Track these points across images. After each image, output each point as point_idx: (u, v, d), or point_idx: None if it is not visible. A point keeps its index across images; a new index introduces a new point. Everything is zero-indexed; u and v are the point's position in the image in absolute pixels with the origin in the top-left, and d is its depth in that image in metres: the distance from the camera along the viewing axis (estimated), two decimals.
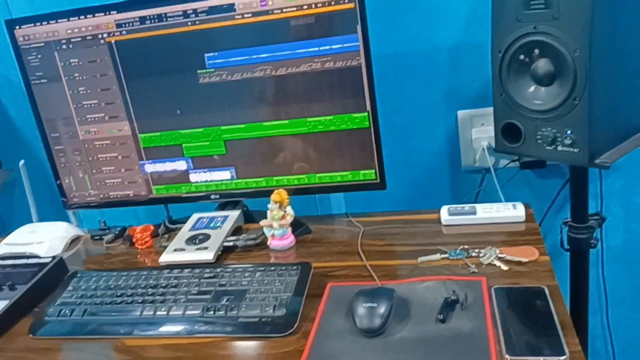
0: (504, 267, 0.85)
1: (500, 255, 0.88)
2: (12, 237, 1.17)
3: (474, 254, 0.90)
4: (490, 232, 0.97)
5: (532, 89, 0.91)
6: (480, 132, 1.23)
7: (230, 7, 1.00)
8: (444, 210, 1.03)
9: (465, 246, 0.92)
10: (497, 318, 0.73)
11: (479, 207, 1.02)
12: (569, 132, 0.88)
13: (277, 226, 1.02)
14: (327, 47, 1.00)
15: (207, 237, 1.06)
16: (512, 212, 0.99)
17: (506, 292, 0.78)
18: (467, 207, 1.02)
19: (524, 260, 0.86)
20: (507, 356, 0.66)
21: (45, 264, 1.01)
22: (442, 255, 0.91)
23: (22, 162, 1.24)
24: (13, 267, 1.02)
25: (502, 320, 0.73)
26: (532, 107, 0.91)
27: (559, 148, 0.90)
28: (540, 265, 0.85)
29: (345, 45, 0.99)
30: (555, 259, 0.99)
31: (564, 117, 0.88)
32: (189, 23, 1.03)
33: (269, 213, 1.02)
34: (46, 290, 0.97)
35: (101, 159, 1.15)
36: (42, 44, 1.09)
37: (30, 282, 0.95)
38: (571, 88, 0.85)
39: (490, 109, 0.98)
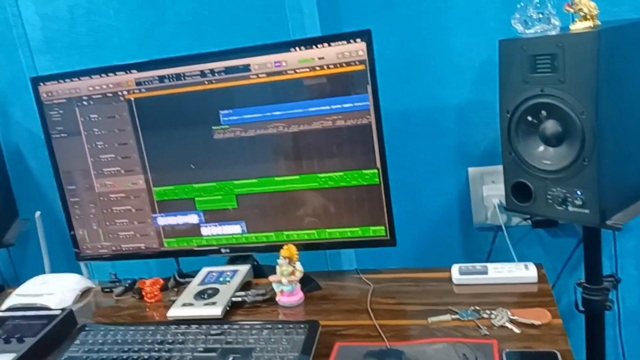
0: (516, 330, 0.84)
1: (512, 317, 0.86)
2: (24, 288, 1.18)
3: (485, 315, 0.88)
4: (502, 293, 0.95)
5: (541, 149, 0.92)
6: (491, 189, 1.23)
7: (246, 68, 1.04)
8: (455, 269, 1.02)
9: (477, 307, 0.91)
10: None
11: (490, 266, 1.01)
12: (579, 192, 0.88)
13: (286, 282, 1.01)
14: (338, 106, 1.02)
15: (216, 291, 1.05)
16: (524, 272, 0.98)
17: (518, 356, 0.76)
18: (478, 266, 1.01)
19: (537, 323, 0.84)
20: None
21: (55, 316, 1.01)
22: (453, 316, 0.90)
23: (38, 213, 1.26)
24: (23, 318, 1.02)
25: None
26: (542, 167, 0.92)
27: (570, 208, 0.90)
28: (553, 328, 0.83)
29: (356, 104, 1.01)
30: (570, 320, 0.98)
31: (573, 178, 0.88)
32: (206, 82, 1.06)
33: (278, 268, 1.02)
34: (54, 343, 0.96)
35: (115, 211, 1.17)
36: (64, 100, 1.13)
37: (39, 335, 0.95)
38: (579, 149, 0.86)
39: (501, 167, 0.99)
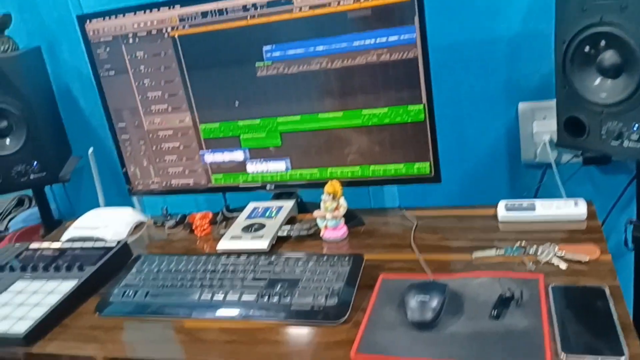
0: (563, 266, 0.83)
1: (559, 254, 0.85)
2: (81, 221, 1.25)
3: (531, 252, 0.88)
4: (549, 230, 0.94)
5: (597, 81, 0.88)
6: (542, 125, 1.19)
7: (289, 1, 1.02)
8: (501, 206, 1.01)
9: (523, 243, 0.90)
10: (553, 316, 0.72)
11: (538, 203, 0.99)
12: (636, 126, 0.84)
13: (330, 217, 1.03)
14: (383, 40, 0.99)
15: (262, 226, 1.08)
16: (573, 209, 0.96)
17: (564, 290, 0.76)
18: (525, 202, 1.00)
19: (584, 259, 0.83)
20: (562, 354, 0.65)
21: (111, 248, 1.06)
22: (498, 252, 0.89)
23: (91, 149, 1.31)
24: (81, 249, 1.08)
25: (558, 318, 0.71)
26: (597, 100, 0.88)
27: (625, 144, 0.87)
28: (602, 264, 0.82)
29: (402, 37, 0.98)
30: (618, 258, 0.96)
31: (631, 111, 0.84)
32: (248, 17, 1.05)
33: (322, 204, 1.03)
34: (111, 272, 1.03)
35: (164, 148, 1.20)
36: (111, 38, 1.15)
37: (97, 264, 1.01)
38: (639, 81, 0.82)
39: (553, 102, 0.95)
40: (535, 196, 1.25)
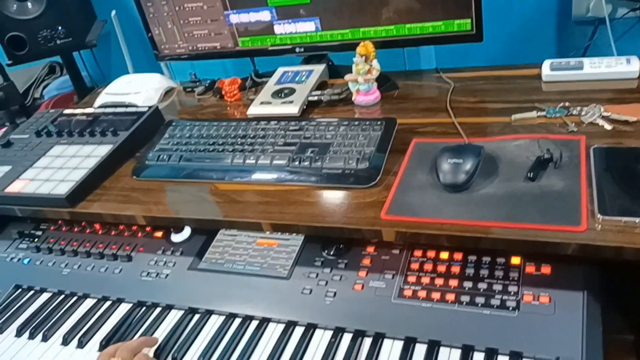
0: (608, 127, 0.79)
1: (604, 114, 0.80)
2: (112, 87, 1.24)
3: (574, 112, 0.83)
4: (596, 90, 0.88)
5: None
6: None
7: None
8: (546, 65, 0.94)
9: (566, 103, 0.85)
10: (592, 178, 0.69)
11: (586, 61, 0.92)
12: None
13: (362, 81, 0.99)
14: None
15: (292, 91, 1.05)
16: (624, 67, 0.89)
17: (606, 152, 0.73)
18: (572, 61, 0.93)
19: (632, 119, 0.78)
20: (599, 215, 0.63)
21: (143, 113, 1.06)
22: (539, 113, 0.85)
23: (114, 12, 1.26)
24: (114, 114, 1.08)
25: (597, 180, 0.68)
26: None
27: None
28: None
29: None
30: None
31: None
32: None
33: (354, 67, 0.99)
34: (145, 137, 1.03)
35: (187, 8, 1.14)
36: None
37: (131, 129, 1.02)
38: None
39: None
40: (584, 55, 1.16)
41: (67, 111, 1.14)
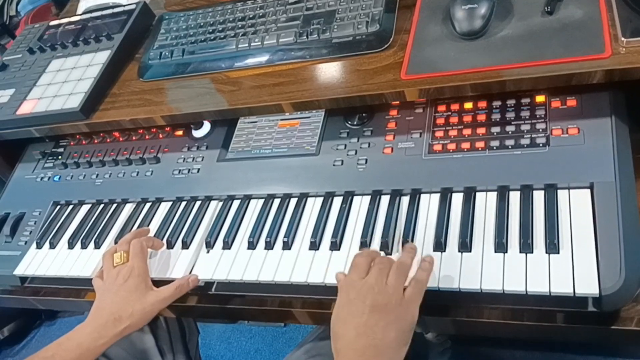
0: None
1: None
2: None
3: None
4: None
5: None
6: None
7: None
8: None
9: None
10: (612, 1, 0.67)
11: None
12: None
13: None
14: None
15: None
16: None
17: None
18: None
19: None
20: (622, 39, 0.63)
21: (132, 11, 1.01)
22: None
23: None
24: (102, 18, 1.03)
25: (617, 3, 0.66)
26: None
27: None
28: None
29: None
30: None
31: None
32: None
33: None
34: (140, 36, 1.00)
35: None
36: None
37: (124, 30, 0.98)
38: None
39: None
40: None
41: (53, 23, 1.08)
